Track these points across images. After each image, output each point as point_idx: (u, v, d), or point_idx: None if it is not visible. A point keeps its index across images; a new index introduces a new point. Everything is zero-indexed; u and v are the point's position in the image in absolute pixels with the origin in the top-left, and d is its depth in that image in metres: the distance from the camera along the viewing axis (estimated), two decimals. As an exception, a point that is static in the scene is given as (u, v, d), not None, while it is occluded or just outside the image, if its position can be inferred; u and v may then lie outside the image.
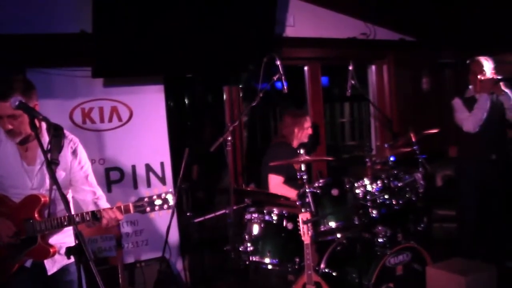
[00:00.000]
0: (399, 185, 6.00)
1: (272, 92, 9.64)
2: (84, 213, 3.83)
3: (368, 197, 5.85)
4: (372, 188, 5.90)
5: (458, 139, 6.89)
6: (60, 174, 4.00)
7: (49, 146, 3.68)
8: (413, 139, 6.43)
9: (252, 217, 5.76)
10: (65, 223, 3.82)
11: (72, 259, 3.74)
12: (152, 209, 3.85)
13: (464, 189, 6.73)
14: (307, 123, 6.77)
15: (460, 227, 7.03)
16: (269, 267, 5.67)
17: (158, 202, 3.83)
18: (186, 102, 10.20)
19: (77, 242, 3.08)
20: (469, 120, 6.45)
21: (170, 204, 3.84)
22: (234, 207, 5.64)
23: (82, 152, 4.19)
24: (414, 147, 6.39)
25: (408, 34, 8.81)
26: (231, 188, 5.64)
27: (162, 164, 6.71)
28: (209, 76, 8.53)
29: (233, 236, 5.61)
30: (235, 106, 7.52)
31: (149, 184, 6.63)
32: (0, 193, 3.88)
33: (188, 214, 6.21)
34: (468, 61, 6.71)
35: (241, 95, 7.62)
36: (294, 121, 6.70)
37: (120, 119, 6.48)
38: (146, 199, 3.84)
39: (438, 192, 8.16)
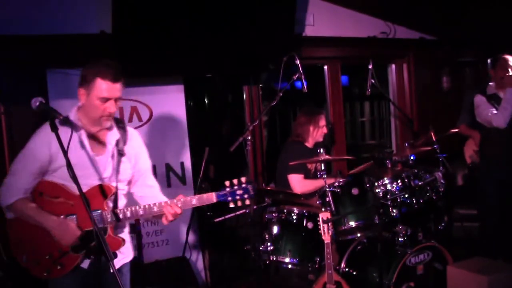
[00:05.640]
0: (419, 184, 5.97)
1: (292, 91, 9.64)
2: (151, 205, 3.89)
3: (388, 196, 5.83)
4: (393, 187, 5.88)
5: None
6: (126, 167, 3.97)
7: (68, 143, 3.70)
8: (434, 138, 6.41)
9: (273, 217, 5.76)
10: (141, 213, 3.86)
11: (129, 258, 3.99)
12: (233, 200, 3.84)
13: (486, 188, 6.67)
14: (322, 122, 6.66)
15: (482, 227, 6.98)
16: (290, 266, 5.67)
17: (239, 191, 3.81)
18: (206, 101, 10.23)
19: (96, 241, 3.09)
20: (499, 115, 6.35)
21: (251, 194, 3.82)
22: (255, 207, 5.64)
23: (144, 145, 4.18)
24: (435, 146, 6.38)
25: (428, 33, 8.78)
26: (251, 188, 5.64)
27: (182, 164, 6.72)
28: (228, 76, 8.55)
29: (254, 235, 5.61)
30: (255, 106, 7.51)
31: (169, 184, 6.64)
32: (60, 183, 3.76)
33: (208, 213, 6.22)
34: (491, 59, 6.67)
35: (260, 94, 7.61)
36: (309, 119, 6.61)
37: (140, 119, 6.50)
38: (228, 189, 3.82)
39: (459, 191, 8.12)
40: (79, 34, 6.00)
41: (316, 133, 6.60)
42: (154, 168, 6.49)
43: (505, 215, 6.57)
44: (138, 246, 5.58)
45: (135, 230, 5.59)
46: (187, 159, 6.77)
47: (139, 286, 5.38)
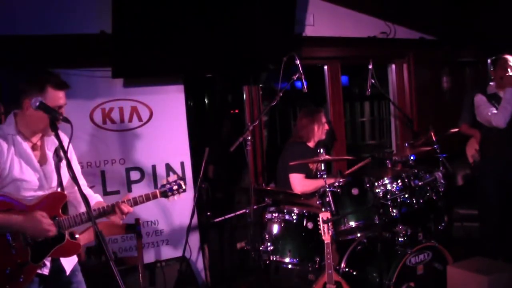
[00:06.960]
0: (419, 184, 5.96)
1: (292, 91, 9.64)
2: (105, 206, 4.05)
3: (388, 196, 5.82)
4: (393, 187, 5.87)
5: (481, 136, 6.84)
6: (64, 171, 3.96)
7: (68, 144, 3.72)
8: (434, 138, 6.40)
9: (273, 217, 5.76)
10: (95, 214, 3.94)
11: (76, 259, 4.02)
12: (172, 194, 4.31)
13: (486, 188, 6.67)
14: (324, 118, 6.74)
15: (482, 226, 6.98)
16: (290, 266, 5.67)
17: (175, 187, 4.31)
18: (206, 101, 10.22)
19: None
20: (499, 115, 6.36)
21: (184, 188, 4.34)
22: (255, 207, 5.64)
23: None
24: (435, 146, 6.37)
25: (428, 33, 8.78)
26: (252, 188, 5.64)
27: (182, 164, 6.71)
28: (229, 76, 8.54)
29: (253, 235, 5.61)
30: (255, 106, 7.50)
31: (169, 184, 6.62)
32: (7, 200, 3.67)
33: (208, 213, 6.22)
34: (491, 59, 6.69)
35: (260, 94, 7.59)
36: (312, 120, 6.65)
37: (140, 119, 6.49)
38: (168, 186, 4.29)
39: (459, 191, 8.12)
40: (79, 34, 5.99)
41: (321, 131, 6.64)
42: (154, 168, 6.51)
43: (505, 215, 6.57)
44: (138, 246, 5.57)
45: (135, 230, 5.58)
46: (187, 159, 6.76)
47: (139, 286, 5.39)
